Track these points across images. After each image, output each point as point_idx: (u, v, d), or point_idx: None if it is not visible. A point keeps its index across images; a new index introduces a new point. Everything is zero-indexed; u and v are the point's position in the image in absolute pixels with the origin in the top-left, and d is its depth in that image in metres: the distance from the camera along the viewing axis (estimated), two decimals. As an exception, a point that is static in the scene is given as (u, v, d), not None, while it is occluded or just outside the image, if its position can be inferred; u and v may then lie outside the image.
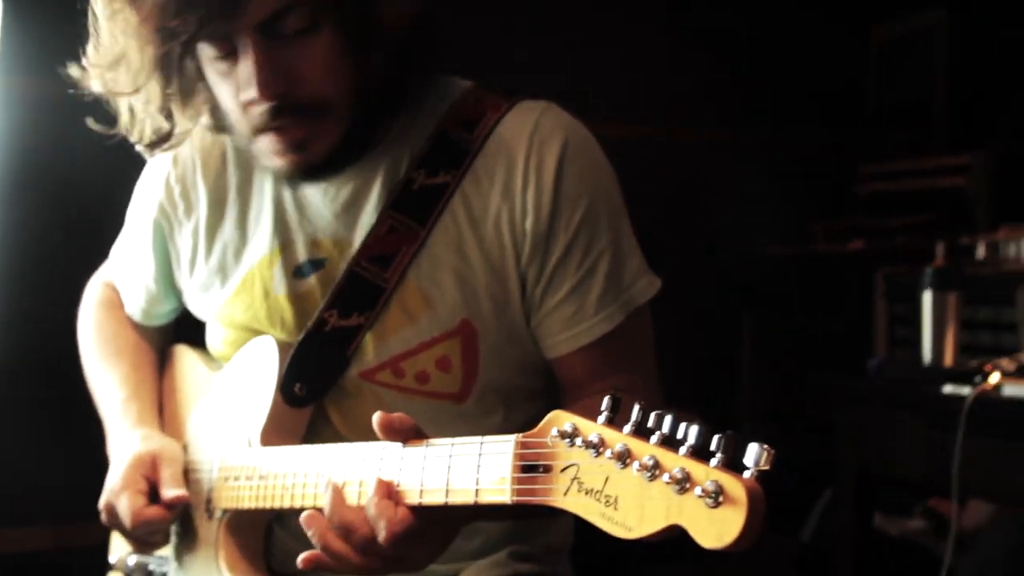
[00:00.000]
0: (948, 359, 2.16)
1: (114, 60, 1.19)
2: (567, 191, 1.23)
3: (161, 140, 1.27)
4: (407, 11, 1.20)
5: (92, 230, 1.70)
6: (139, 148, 1.30)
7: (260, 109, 1.17)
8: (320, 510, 1.05)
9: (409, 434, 1.03)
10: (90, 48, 1.21)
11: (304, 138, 1.19)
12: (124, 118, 1.26)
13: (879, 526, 2.53)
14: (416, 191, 1.26)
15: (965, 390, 1.92)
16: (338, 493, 1.04)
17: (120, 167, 1.49)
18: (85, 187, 2.73)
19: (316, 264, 1.31)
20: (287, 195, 1.33)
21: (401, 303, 1.25)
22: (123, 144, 1.31)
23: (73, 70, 1.23)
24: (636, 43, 3.80)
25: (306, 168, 1.23)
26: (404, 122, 1.29)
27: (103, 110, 1.27)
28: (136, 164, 1.50)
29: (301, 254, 1.32)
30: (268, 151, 1.22)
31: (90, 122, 1.27)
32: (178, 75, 1.20)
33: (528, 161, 1.23)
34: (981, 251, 2.91)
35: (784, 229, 3.93)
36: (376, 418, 1.02)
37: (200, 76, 1.23)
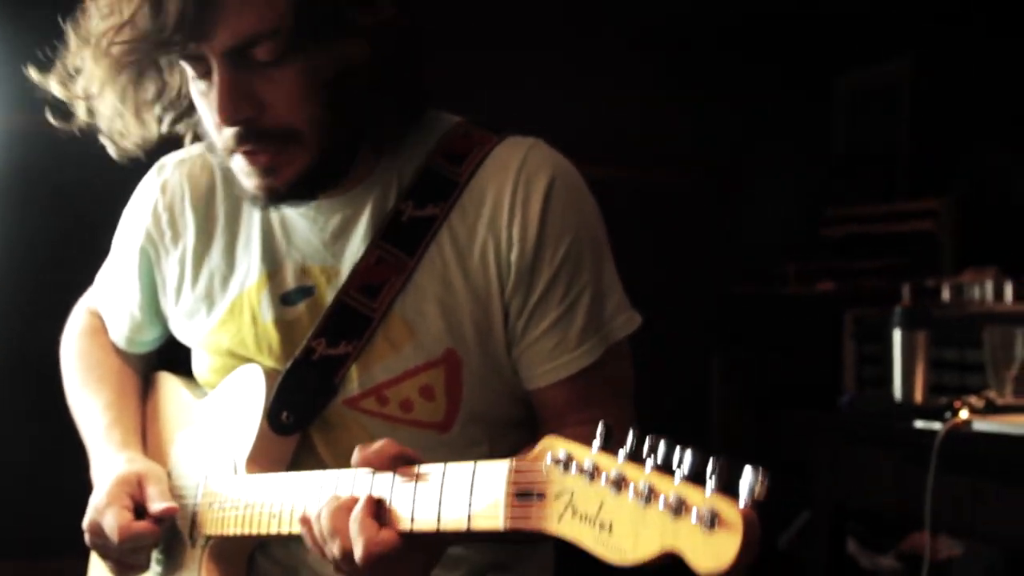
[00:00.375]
0: (918, 396, 2.20)
1: (73, 66, 1.22)
2: (552, 226, 1.25)
3: (123, 138, 1.30)
4: (379, 51, 1.20)
5: (89, 241, 1.70)
6: (104, 141, 1.31)
7: (228, 132, 1.19)
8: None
9: (394, 462, 1.04)
10: (59, 52, 1.24)
11: (271, 164, 1.21)
12: (83, 116, 1.28)
13: (852, 554, 2.55)
14: (405, 223, 1.27)
15: (936, 425, 1.96)
16: (342, 502, 1.05)
17: (117, 178, 1.50)
18: (82, 197, 2.72)
19: (304, 292, 1.32)
20: (276, 222, 1.35)
21: (386, 333, 1.27)
22: (114, 164, 1.32)
23: (32, 72, 1.25)
24: (608, 86, 3.86)
25: (274, 193, 1.24)
26: (392, 154, 1.31)
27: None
28: (132, 174, 1.51)
29: (289, 282, 1.33)
30: (241, 171, 1.24)
31: (48, 116, 1.28)
32: (134, 89, 1.23)
33: (515, 196, 1.25)
34: (946, 293, 2.97)
35: (754, 271, 3.98)
36: (355, 457, 1.05)
37: (164, 90, 1.26)
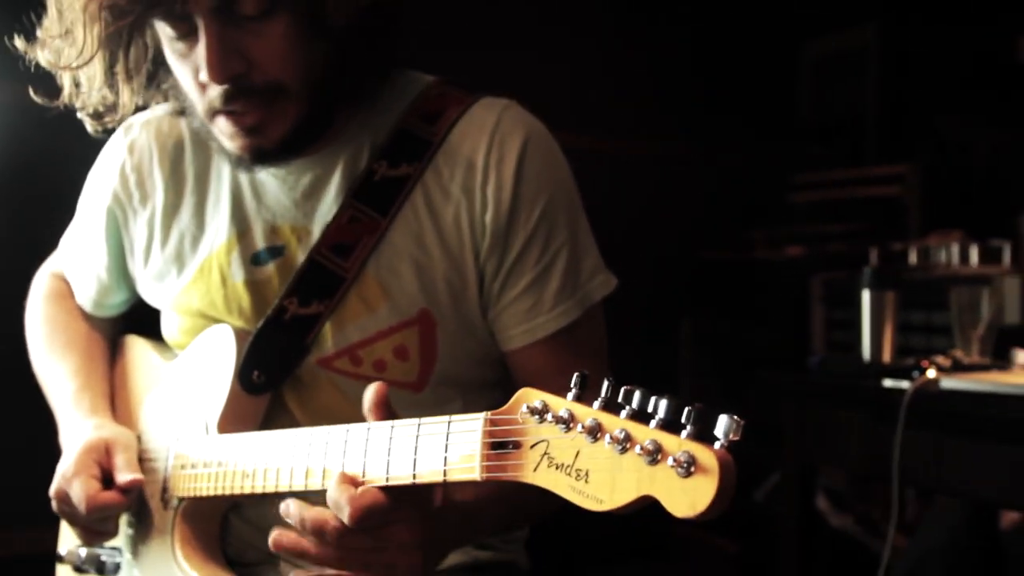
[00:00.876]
0: (886, 356, 2.22)
1: (60, 33, 1.19)
2: (527, 187, 1.25)
3: (106, 111, 1.28)
4: (363, 4, 1.20)
5: (49, 222, 1.67)
6: (83, 117, 1.30)
7: (214, 92, 1.17)
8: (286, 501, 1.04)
9: (389, 415, 1.02)
10: (44, 21, 1.21)
11: (257, 123, 1.20)
12: (68, 89, 1.26)
13: (822, 511, 2.58)
14: (378, 182, 1.27)
15: (904, 384, 1.98)
16: (296, 505, 1.03)
17: (76, 157, 1.47)
18: (41, 179, 2.68)
19: (274, 251, 1.31)
20: (245, 182, 1.33)
21: (360, 293, 1.26)
22: (79, 135, 1.30)
23: (18, 42, 1.23)
24: (577, 56, 3.85)
25: (260, 153, 1.23)
26: (365, 113, 1.30)
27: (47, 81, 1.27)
28: (91, 154, 1.49)
29: (259, 241, 1.32)
30: (223, 134, 1.23)
31: (31, 93, 1.26)
32: (124, 53, 1.21)
33: (489, 157, 1.25)
34: (913, 257, 3.00)
35: (722, 237, 4.00)
36: (372, 392, 1.02)
37: (146, 55, 1.24)
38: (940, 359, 2.09)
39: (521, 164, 1.25)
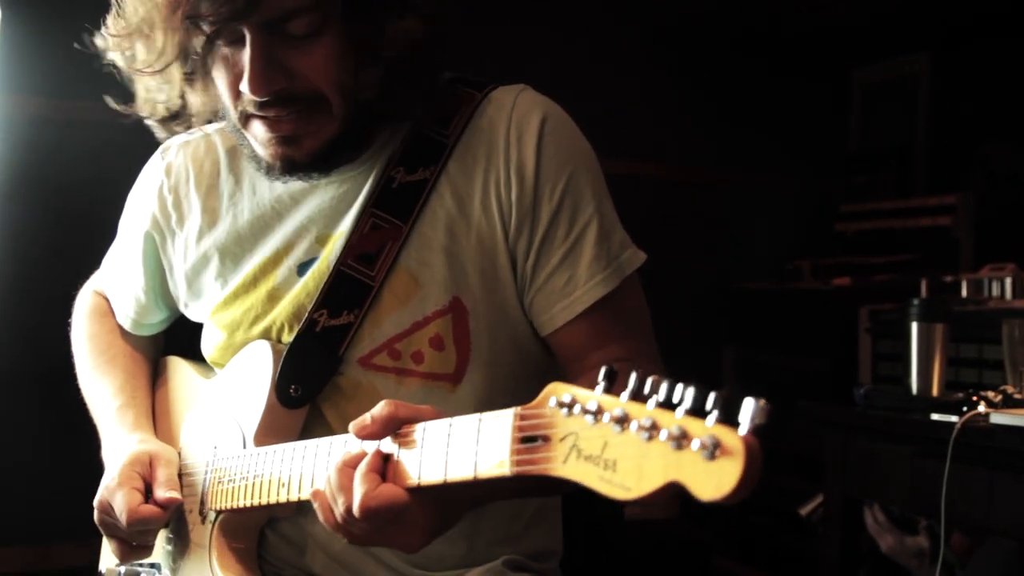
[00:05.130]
0: (935, 390, 2.18)
1: (135, 32, 1.21)
2: (548, 161, 1.26)
3: (174, 117, 1.30)
4: (414, 33, 1.22)
5: (88, 240, 1.71)
6: (151, 124, 1.33)
7: (250, 97, 1.19)
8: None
9: (389, 424, 1.03)
10: (110, 19, 1.24)
11: (293, 132, 1.22)
12: (140, 94, 1.29)
13: (872, 534, 2.49)
14: (395, 189, 1.28)
15: (953, 418, 1.93)
16: (352, 456, 1.05)
17: (116, 176, 1.51)
18: (82, 197, 2.75)
19: (308, 264, 1.33)
20: (283, 197, 1.35)
21: (392, 291, 1.27)
22: (119, 154, 1.32)
23: (98, 40, 1.25)
24: (628, 83, 3.88)
25: (290, 163, 1.24)
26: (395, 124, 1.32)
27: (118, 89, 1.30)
28: (132, 174, 1.52)
29: (296, 255, 1.34)
30: (256, 139, 1.25)
31: (109, 100, 1.29)
32: (198, 62, 1.23)
33: (508, 136, 1.26)
34: (964, 289, 2.94)
35: (768, 266, 3.97)
36: (351, 428, 1.04)
37: (210, 65, 1.25)
38: (991, 394, 2.04)
39: (541, 140, 1.26)
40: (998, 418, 1.90)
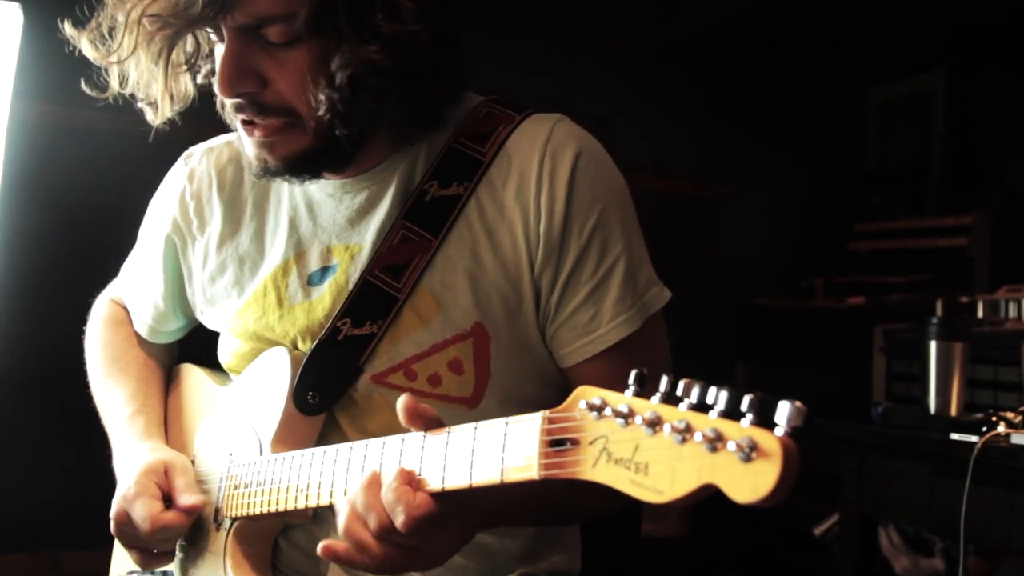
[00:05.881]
0: (953, 409, 2.16)
1: (108, 29, 1.22)
2: (580, 197, 1.24)
3: (152, 104, 1.30)
4: (395, 60, 1.17)
5: (94, 250, 1.71)
6: (142, 107, 1.32)
7: (228, 100, 1.21)
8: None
9: (431, 423, 1.02)
10: (93, 20, 1.24)
11: (265, 139, 1.22)
12: (114, 84, 1.28)
13: (886, 555, 2.47)
14: (428, 202, 1.27)
15: (973, 438, 1.92)
16: (374, 476, 1.04)
17: (126, 187, 1.51)
18: (90, 205, 2.76)
19: (328, 271, 1.32)
20: (302, 204, 1.35)
21: (414, 307, 1.26)
22: (129, 164, 1.32)
23: (68, 28, 1.26)
24: (644, 100, 3.88)
25: (269, 168, 1.24)
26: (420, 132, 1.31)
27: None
28: (142, 185, 1.52)
29: (314, 262, 1.33)
30: (242, 138, 1.26)
31: (83, 84, 1.29)
32: (167, 54, 1.23)
33: (542, 168, 1.25)
34: (981, 310, 2.92)
35: (781, 284, 3.96)
36: (401, 402, 1.02)
37: (194, 51, 1.27)
38: (1010, 414, 2.02)
39: (574, 174, 1.24)
40: (1019, 438, 1.88)
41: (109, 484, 1.35)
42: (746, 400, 0.71)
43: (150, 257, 1.49)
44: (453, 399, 1.25)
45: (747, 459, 0.68)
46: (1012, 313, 2.83)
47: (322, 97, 1.17)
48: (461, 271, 1.25)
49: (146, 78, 1.26)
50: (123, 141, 1.33)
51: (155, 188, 1.52)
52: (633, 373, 0.81)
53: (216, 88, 1.20)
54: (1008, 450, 1.87)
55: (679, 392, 0.76)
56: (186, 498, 1.29)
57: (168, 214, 1.46)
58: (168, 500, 1.30)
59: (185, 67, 1.29)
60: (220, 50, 1.20)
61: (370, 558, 1.02)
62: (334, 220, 1.32)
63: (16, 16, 2.49)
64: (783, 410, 0.69)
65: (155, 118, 1.32)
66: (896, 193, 4.08)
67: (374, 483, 1.03)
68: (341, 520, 1.04)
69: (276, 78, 1.18)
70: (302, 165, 1.24)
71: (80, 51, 1.25)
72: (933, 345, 2.19)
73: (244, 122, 1.22)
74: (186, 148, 1.48)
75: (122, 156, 1.38)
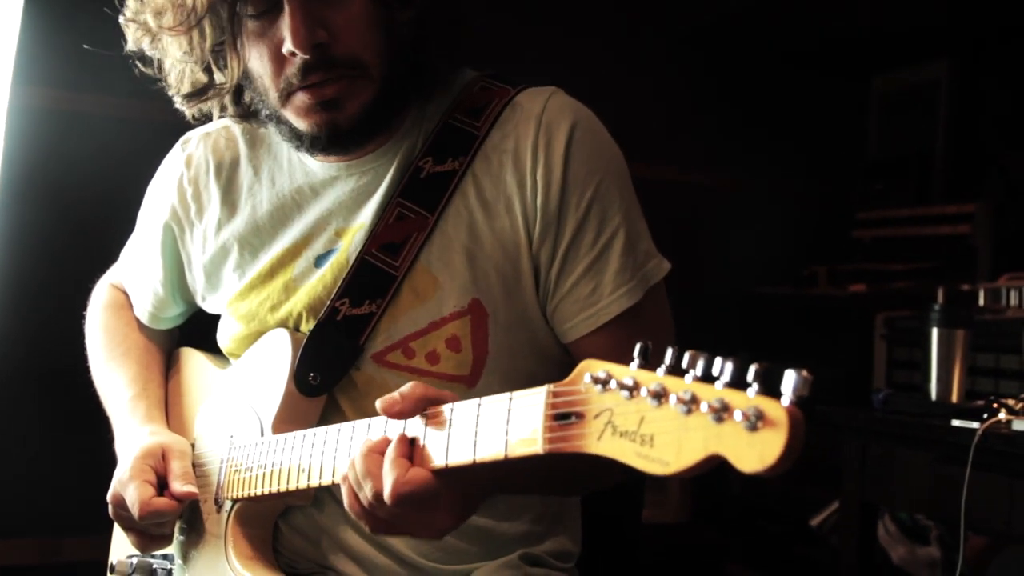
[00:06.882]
0: (955, 396, 2.16)
1: (163, 4, 1.21)
2: (577, 169, 1.24)
3: (198, 92, 1.28)
4: None
5: (96, 238, 1.71)
6: (176, 99, 1.31)
7: (293, 68, 1.19)
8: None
9: (420, 404, 1.01)
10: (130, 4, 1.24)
11: (336, 95, 1.20)
12: (166, 65, 1.28)
13: (883, 545, 2.48)
14: (423, 179, 1.27)
15: (974, 424, 1.91)
16: (370, 443, 1.03)
17: (124, 176, 1.50)
18: (88, 195, 2.74)
19: (328, 253, 1.31)
20: (304, 187, 1.34)
21: (411, 285, 1.25)
22: (128, 149, 1.32)
23: (131, 3, 1.25)
24: (646, 87, 3.87)
25: (334, 129, 1.23)
26: (418, 110, 1.31)
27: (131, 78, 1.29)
28: (144, 169, 1.52)
29: (317, 245, 1.32)
30: (298, 113, 1.23)
31: (139, 65, 1.30)
32: (226, 29, 1.22)
33: (537, 141, 1.24)
34: (982, 298, 2.92)
35: (784, 272, 3.96)
36: (378, 404, 1.02)
37: (236, 37, 1.23)
38: (1011, 401, 2.02)
39: (570, 147, 1.24)
40: (1020, 425, 1.88)
41: (111, 470, 1.35)
42: (752, 370, 0.71)
43: (149, 245, 1.49)
44: (452, 377, 1.25)
45: (753, 428, 0.67)
46: (1013, 301, 2.83)
47: (387, 39, 1.20)
48: (458, 248, 1.25)
49: (197, 55, 1.24)
50: (124, 126, 1.32)
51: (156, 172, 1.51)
52: (638, 346, 0.81)
53: (288, 47, 1.17)
54: (1009, 437, 1.87)
55: (684, 364, 0.76)
56: (179, 485, 1.29)
57: (166, 201, 1.45)
58: (163, 484, 1.30)
59: (220, 54, 1.26)
60: (255, 27, 1.20)
61: (367, 518, 1.03)
62: (336, 201, 1.32)
63: (16, 0, 2.49)
64: (789, 379, 0.68)
65: (191, 110, 1.32)
66: (899, 182, 4.08)
67: (374, 450, 1.02)
68: (345, 492, 1.05)
69: (342, 27, 1.18)
70: (366, 123, 1.23)
71: (92, 34, 1.25)
72: (935, 332, 2.18)
73: (309, 88, 1.20)
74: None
75: (123, 140, 1.37)
